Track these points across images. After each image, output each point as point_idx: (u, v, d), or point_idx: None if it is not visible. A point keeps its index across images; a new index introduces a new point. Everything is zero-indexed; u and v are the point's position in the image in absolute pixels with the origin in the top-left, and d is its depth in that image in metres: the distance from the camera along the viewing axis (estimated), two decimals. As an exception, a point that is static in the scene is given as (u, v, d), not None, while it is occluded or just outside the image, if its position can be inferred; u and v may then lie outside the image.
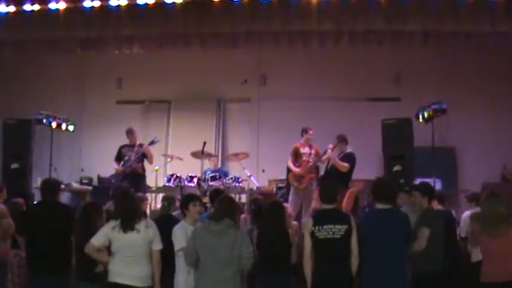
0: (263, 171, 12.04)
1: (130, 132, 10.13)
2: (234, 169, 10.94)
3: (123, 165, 9.80)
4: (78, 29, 10.03)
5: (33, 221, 5.92)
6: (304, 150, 9.52)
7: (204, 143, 10.14)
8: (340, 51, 11.03)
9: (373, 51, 11.13)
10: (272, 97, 12.45)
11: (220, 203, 5.45)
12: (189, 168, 10.42)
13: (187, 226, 5.72)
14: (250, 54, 12.06)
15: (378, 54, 11.44)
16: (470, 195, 7.62)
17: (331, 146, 9.32)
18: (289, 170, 9.63)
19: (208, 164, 10.68)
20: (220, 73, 12.38)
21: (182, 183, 9.97)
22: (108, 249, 5.30)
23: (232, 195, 7.54)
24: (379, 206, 5.35)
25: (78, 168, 12.69)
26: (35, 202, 8.83)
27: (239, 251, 5.17)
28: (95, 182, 12.11)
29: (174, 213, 6.64)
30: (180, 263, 5.53)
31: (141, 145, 9.99)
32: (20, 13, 9.94)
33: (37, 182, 9.58)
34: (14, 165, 10.08)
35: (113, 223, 5.27)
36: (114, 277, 5.19)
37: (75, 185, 11.49)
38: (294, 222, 7.60)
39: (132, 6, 9.74)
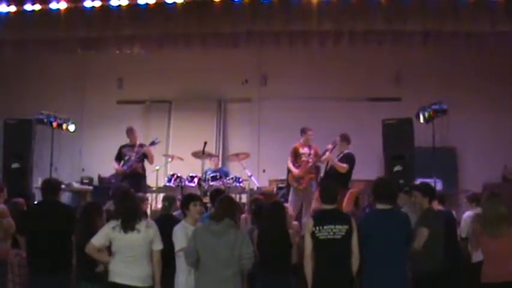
0: (264, 171, 12.03)
1: (130, 131, 10.13)
2: (235, 169, 10.95)
3: (123, 165, 9.81)
4: (78, 28, 10.03)
5: (34, 220, 5.93)
6: (304, 150, 9.53)
7: (205, 143, 10.16)
8: (341, 51, 11.02)
9: (373, 51, 11.12)
10: (273, 97, 12.44)
11: (220, 203, 5.45)
12: (189, 168, 10.43)
13: (187, 226, 5.72)
14: (251, 54, 12.05)
15: (378, 54, 11.44)
16: (470, 195, 7.62)
17: (330, 146, 9.32)
18: (289, 171, 9.63)
19: (208, 164, 10.68)
20: (221, 73, 12.37)
21: (183, 183, 9.95)
22: (108, 249, 5.30)
23: (233, 195, 7.57)
24: (380, 206, 5.35)
25: (79, 168, 12.68)
26: (35, 202, 8.83)
27: (239, 251, 5.17)
28: (96, 182, 12.12)
29: (174, 213, 6.64)
30: (181, 263, 5.53)
31: (141, 145, 9.98)
32: (21, 13, 9.95)
33: (38, 182, 9.55)
34: (15, 165, 10.06)
35: (113, 223, 5.27)
36: (115, 277, 5.20)
37: (76, 185, 11.48)
38: (295, 223, 7.59)
39: (133, 6, 9.75)
